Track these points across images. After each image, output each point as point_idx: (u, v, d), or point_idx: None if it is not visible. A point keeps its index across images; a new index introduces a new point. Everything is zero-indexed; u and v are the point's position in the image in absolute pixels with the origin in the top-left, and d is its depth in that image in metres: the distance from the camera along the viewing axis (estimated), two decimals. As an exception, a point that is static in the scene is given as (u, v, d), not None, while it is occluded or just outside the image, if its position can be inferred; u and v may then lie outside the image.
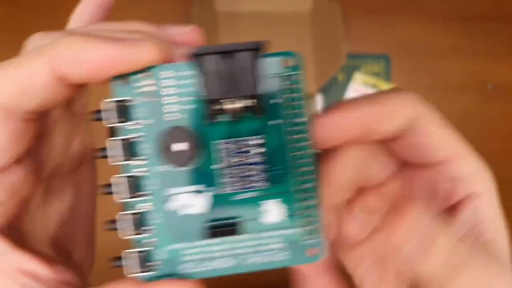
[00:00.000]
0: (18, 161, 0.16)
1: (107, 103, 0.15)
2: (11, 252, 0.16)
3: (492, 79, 0.50)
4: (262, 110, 0.15)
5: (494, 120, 0.50)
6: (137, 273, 0.15)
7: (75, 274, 0.17)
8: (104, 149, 0.15)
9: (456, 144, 0.18)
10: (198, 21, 0.47)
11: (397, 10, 0.51)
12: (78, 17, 0.23)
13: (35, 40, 0.18)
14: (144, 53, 0.14)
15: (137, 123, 0.15)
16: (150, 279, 0.15)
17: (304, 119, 0.15)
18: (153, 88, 0.15)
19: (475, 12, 0.51)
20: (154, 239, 0.15)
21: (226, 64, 0.14)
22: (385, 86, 0.50)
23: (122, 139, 0.15)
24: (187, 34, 0.18)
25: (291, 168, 0.15)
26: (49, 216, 0.19)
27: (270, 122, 0.15)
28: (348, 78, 0.50)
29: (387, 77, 0.51)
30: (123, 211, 0.15)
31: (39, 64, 0.15)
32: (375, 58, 0.51)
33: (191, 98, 0.15)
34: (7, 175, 0.16)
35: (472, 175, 0.18)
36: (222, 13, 0.51)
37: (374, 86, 0.50)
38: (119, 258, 0.16)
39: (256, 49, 0.14)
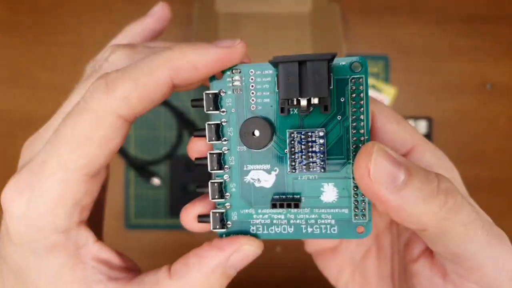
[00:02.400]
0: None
1: (206, 94, 0.18)
2: (93, 243, 0.18)
3: (491, 79, 0.51)
4: (328, 108, 0.18)
5: (492, 120, 0.51)
6: (216, 228, 0.19)
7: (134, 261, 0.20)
8: (203, 129, 0.19)
9: (414, 135, 0.19)
10: (199, 22, 0.47)
11: (396, 11, 0.51)
12: (126, 37, 0.25)
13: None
14: (239, 52, 0.18)
15: (226, 111, 0.19)
16: (221, 235, 0.19)
17: (364, 116, 0.18)
18: (240, 83, 0.19)
19: (473, 13, 0.51)
20: (231, 204, 0.19)
21: (302, 69, 0.17)
22: (384, 86, 0.51)
23: (215, 124, 0.19)
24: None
25: (348, 158, 0.18)
26: (100, 206, 0.22)
27: (334, 118, 0.18)
28: (347, 79, 0.50)
29: (386, 78, 0.51)
30: (212, 180, 0.19)
31: (161, 74, 0.17)
32: (374, 58, 0.51)
33: (269, 93, 0.18)
34: (99, 177, 0.19)
35: (434, 162, 0.19)
36: (223, 14, 0.51)
37: (373, 86, 0.50)
38: (206, 216, 0.19)
39: (329, 59, 0.16)
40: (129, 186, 0.51)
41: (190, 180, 0.50)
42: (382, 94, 0.50)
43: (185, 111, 0.51)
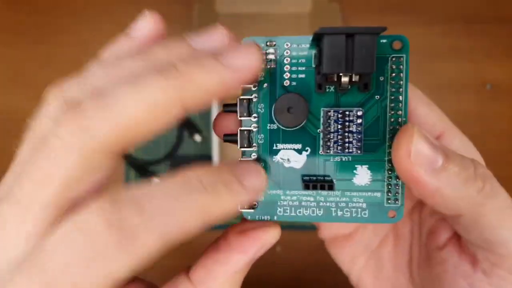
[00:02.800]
0: None
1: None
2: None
3: (491, 79, 0.51)
4: (368, 86, 0.17)
5: (492, 120, 0.50)
6: (244, 208, 0.18)
7: None
8: (233, 104, 0.18)
9: (445, 120, 0.19)
10: (199, 23, 0.47)
11: (396, 11, 0.51)
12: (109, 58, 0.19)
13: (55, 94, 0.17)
14: (257, 65, 0.15)
15: (257, 86, 0.18)
16: (247, 217, 0.18)
17: (402, 97, 0.17)
18: (274, 56, 0.18)
19: (474, 13, 0.51)
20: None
21: (348, 43, 0.15)
22: (384, 86, 0.51)
23: (247, 98, 0.18)
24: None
25: (384, 140, 0.17)
26: None
27: (372, 97, 0.17)
28: (347, 79, 0.50)
29: (386, 78, 0.51)
30: (242, 158, 0.18)
31: (170, 102, 0.14)
32: (375, 58, 0.51)
33: (305, 68, 0.17)
34: None
35: (462, 149, 0.19)
36: (223, 14, 0.51)
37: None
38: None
39: (377, 33, 0.15)
40: (129, 186, 0.51)
41: (190, 180, 0.50)
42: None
43: (185, 111, 0.51)
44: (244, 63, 0.15)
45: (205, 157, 0.49)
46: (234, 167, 0.16)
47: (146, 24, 0.19)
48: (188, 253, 0.50)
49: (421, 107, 0.19)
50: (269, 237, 0.17)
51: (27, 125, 0.17)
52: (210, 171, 0.15)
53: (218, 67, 0.15)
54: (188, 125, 0.50)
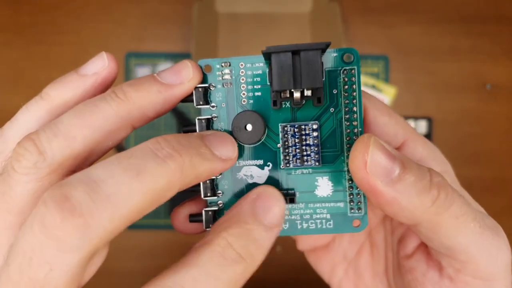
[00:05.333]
0: None
1: (196, 89, 0.18)
2: None
3: (491, 79, 0.51)
4: (321, 100, 0.17)
5: (492, 120, 0.51)
6: (209, 227, 0.18)
7: None
8: (193, 125, 0.18)
9: (406, 128, 0.19)
10: (199, 22, 0.47)
11: (396, 11, 0.51)
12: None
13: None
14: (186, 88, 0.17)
15: (216, 106, 0.18)
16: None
17: (357, 108, 0.18)
18: (230, 76, 0.18)
19: (473, 13, 0.51)
20: (224, 201, 0.18)
21: (295, 60, 0.16)
22: (384, 86, 0.51)
23: (206, 118, 0.18)
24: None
25: (342, 150, 0.18)
26: None
27: (327, 110, 0.18)
28: (347, 79, 0.50)
29: (386, 78, 0.51)
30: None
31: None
32: (374, 58, 0.51)
33: (261, 86, 0.18)
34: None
35: (426, 155, 0.19)
36: (223, 14, 0.51)
37: (373, 86, 0.50)
38: (198, 215, 0.18)
39: (322, 49, 0.16)
40: (129, 186, 0.51)
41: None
42: (382, 94, 0.50)
43: (185, 111, 0.51)
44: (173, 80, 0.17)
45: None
46: (204, 135, 0.16)
47: (100, 63, 0.18)
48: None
49: (381, 116, 0.19)
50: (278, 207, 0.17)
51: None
52: (178, 137, 0.15)
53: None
54: (188, 125, 0.50)
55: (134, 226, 0.50)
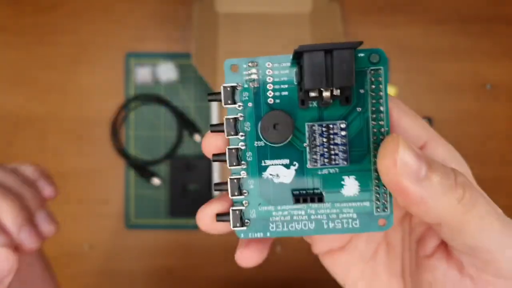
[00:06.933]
0: None
1: (224, 88, 0.18)
2: None
3: (491, 79, 0.51)
4: (349, 99, 0.18)
5: (492, 121, 0.51)
6: (236, 226, 0.18)
7: None
8: (220, 124, 0.18)
9: (427, 130, 0.19)
10: (199, 22, 0.47)
11: (396, 11, 0.51)
12: None
13: None
14: None
15: (242, 105, 0.18)
16: (240, 235, 0.18)
17: (383, 108, 0.18)
18: (257, 76, 0.18)
19: (473, 13, 0.51)
20: (249, 201, 0.18)
21: (326, 59, 0.16)
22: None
23: (234, 118, 0.18)
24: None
25: (369, 150, 0.18)
26: None
27: (354, 110, 0.18)
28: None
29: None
30: (231, 177, 0.18)
31: None
32: (374, 58, 0.51)
33: (288, 86, 0.18)
34: None
35: (447, 157, 0.19)
36: (223, 14, 0.51)
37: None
38: (226, 214, 0.18)
39: (354, 48, 0.16)
40: (129, 186, 0.51)
41: (190, 180, 0.50)
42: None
43: (185, 111, 0.51)
44: None
45: (205, 157, 0.49)
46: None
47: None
48: (188, 253, 0.50)
49: (405, 118, 0.19)
50: None
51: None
52: None
53: None
54: (188, 125, 0.50)
55: (134, 226, 0.50)
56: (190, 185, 0.50)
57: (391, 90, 0.50)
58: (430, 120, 0.50)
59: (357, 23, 0.51)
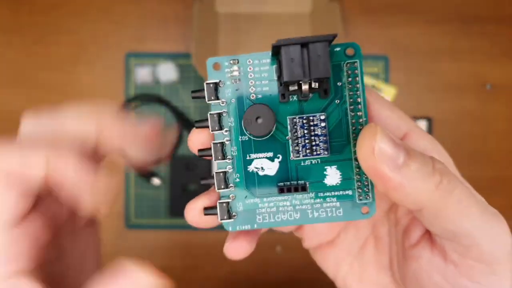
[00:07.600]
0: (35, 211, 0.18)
1: (207, 84, 0.18)
2: None
3: (491, 79, 0.51)
4: (327, 91, 0.18)
5: (492, 120, 0.51)
6: (224, 218, 0.19)
7: None
8: (204, 120, 0.19)
9: (406, 121, 0.20)
10: (199, 22, 0.47)
11: (396, 11, 0.51)
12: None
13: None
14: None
15: (225, 102, 0.19)
16: (228, 227, 0.19)
17: (361, 99, 0.18)
18: (239, 73, 0.19)
19: (473, 13, 0.51)
20: (236, 195, 0.19)
21: (303, 52, 0.17)
22: (384, 86, 0.51)
23: (217, 113, 0.19)
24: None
25: (349, 140, 0.19)
26: (63, 269, 0.21)
27: (333, 102, 0.19)
28: (347, 79, 0.50)
29: (386, 78, 0.51)
30: (217, 170, 0.19)
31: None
32: (374, 59, 0.51)
33: (268, 82, 0.19)
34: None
35: (428, 148, 0.20)
36: (223, 14, 0.51)
37: (373, 87, 0.51)
38: (213, 208, 0.19)
39: (330, 40, 0.17)
40: (129, 186, 0.51)
41: (190, 180, 0.50)
42: (382, 94, 0.50)
43: (185, 111, 0.51)
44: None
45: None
46: None
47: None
48: (188, 253, 0.50)
49: (383, 110, 0.20)
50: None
51: None
52: None
53: None
54: (188, 125, 0.50)
55: (134, 226, 0.50)
56: (190, 185, 0.50)
57: (391, 91, 0.51)
58: (430, 120, 0.50)
59: (357, 23, 0.51)
